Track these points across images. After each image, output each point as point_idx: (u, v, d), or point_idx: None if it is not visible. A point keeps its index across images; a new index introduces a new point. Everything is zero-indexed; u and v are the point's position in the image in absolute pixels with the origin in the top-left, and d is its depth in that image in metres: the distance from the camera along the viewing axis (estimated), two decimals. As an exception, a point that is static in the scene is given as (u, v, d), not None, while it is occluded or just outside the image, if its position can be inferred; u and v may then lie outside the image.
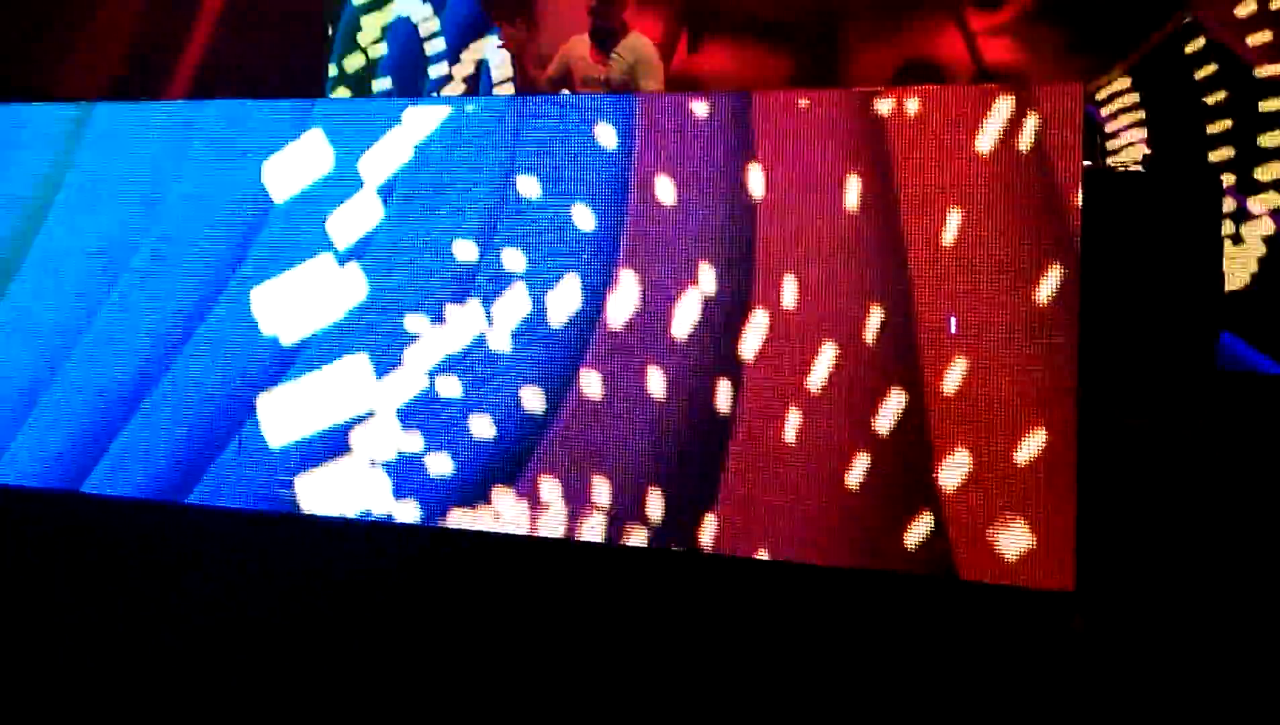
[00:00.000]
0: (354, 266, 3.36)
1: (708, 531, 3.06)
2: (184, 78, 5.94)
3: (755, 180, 3.02)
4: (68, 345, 3.63)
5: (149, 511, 3.56)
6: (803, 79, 5.71)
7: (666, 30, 5.99)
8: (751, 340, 3.02)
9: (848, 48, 5.78)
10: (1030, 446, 2.79)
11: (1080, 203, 2.76)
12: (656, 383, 3.11)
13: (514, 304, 3.23)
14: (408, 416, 3.32)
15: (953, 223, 2.86)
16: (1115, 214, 2.89)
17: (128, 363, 3.57)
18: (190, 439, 3.52)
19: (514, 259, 3.23)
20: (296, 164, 3.41)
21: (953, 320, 2.87)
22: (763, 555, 3.01)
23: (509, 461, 3.22)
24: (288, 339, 3.43)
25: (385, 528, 3.36)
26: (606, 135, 3.14)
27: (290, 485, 3.43)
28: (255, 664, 2.70)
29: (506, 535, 3.24)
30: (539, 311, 3.21)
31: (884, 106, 2.92)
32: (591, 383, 3.16)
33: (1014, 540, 2.80)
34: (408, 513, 3.33)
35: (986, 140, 2.83)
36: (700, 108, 3.08)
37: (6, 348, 3.70)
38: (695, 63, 6.05)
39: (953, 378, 2.85)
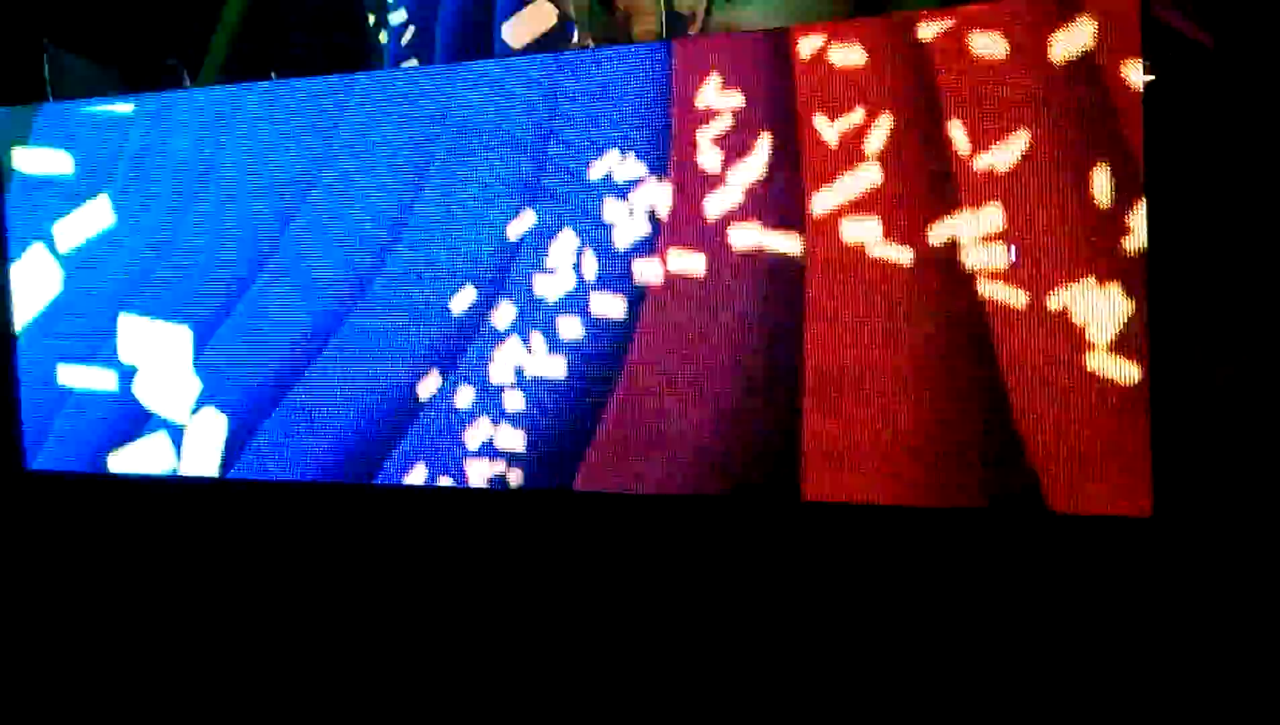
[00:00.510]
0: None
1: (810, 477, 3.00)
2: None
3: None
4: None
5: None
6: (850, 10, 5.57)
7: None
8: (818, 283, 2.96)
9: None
10: (1101, 371, 2.69)
11: (1143, 118, 2.64)
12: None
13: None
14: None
15: (1011, 144, 2.77)
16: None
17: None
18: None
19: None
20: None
21: (1012, 248, 2.78)
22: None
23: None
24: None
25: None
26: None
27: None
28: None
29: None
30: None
31: (927, 31, 2.82)
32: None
33: (1092, 469, 2.72)
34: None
35: (1038, 56, 2.73)
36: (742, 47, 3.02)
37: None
38: (732, 12, 5.92)
39: (1017, 305, 2.76)
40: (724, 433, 3.03)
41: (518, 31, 6.10)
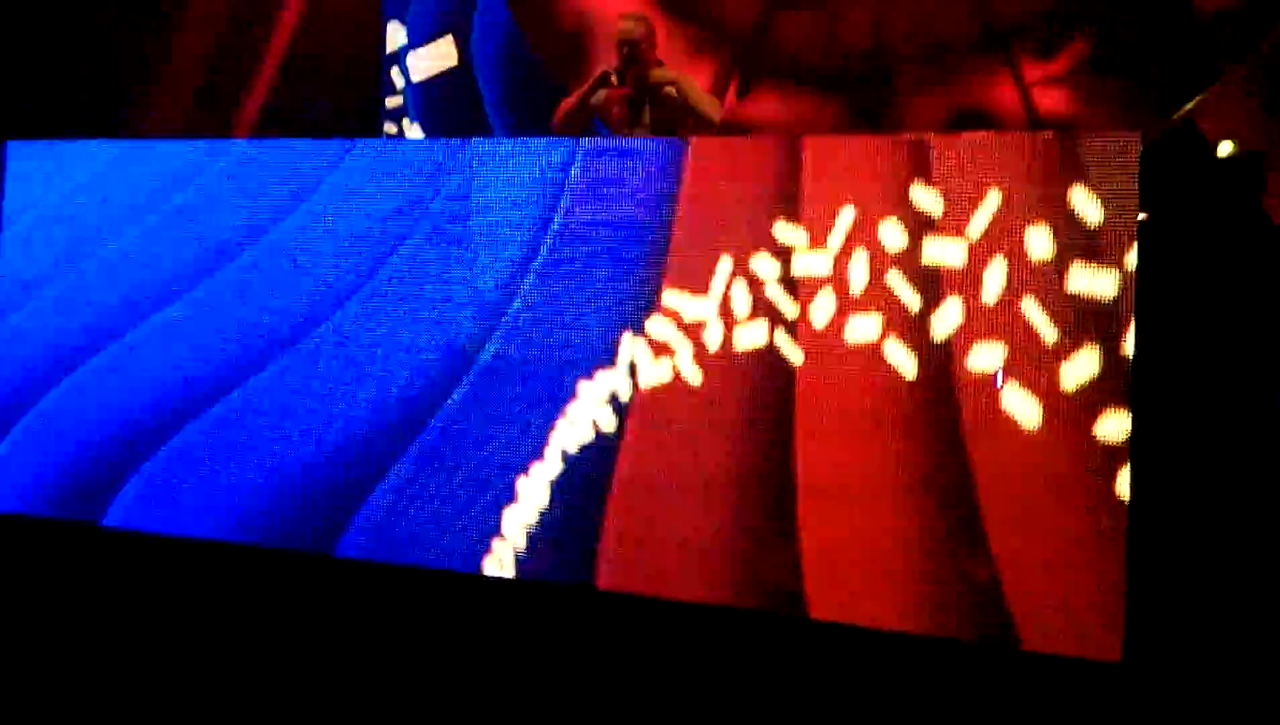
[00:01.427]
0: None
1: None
2: (248, 117, 6.08)
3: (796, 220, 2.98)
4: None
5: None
6: (853, 127, 5.67)
7: (716, 76, 5.99)
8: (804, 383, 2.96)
9: (899, 95, 5.73)
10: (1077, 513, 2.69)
11: (1135, 261, 2.67)
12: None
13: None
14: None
15: (997, 273, 2.79)
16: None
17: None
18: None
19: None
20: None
21: (999, 374, 2.79)
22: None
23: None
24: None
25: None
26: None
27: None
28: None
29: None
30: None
31: (929, 151, 2.87)
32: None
33: (1064, 610, 2.69)
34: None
35: (1032, 188, 2.77)
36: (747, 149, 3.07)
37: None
38: (745, 110, 6.03)
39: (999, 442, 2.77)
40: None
41: (418, 65, 6.18)
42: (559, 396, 3.17)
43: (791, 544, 2.93)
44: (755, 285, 3.02)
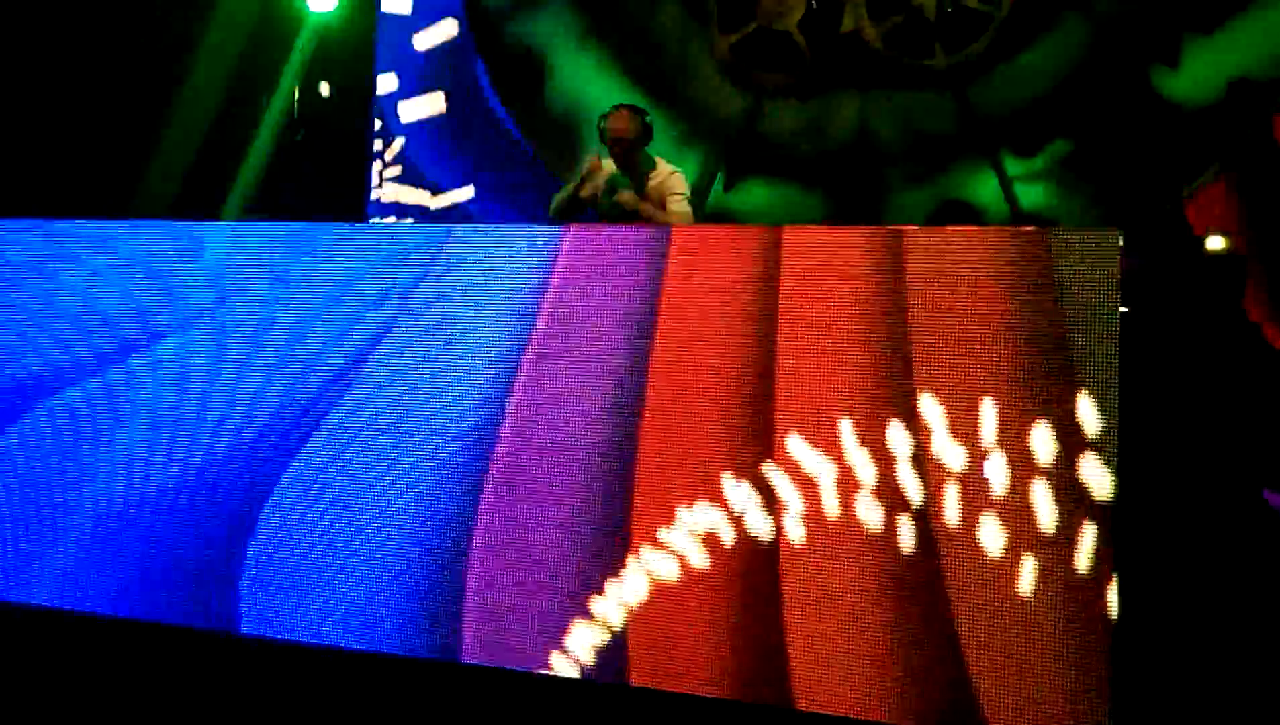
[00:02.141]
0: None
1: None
2: (237, 199, 6.17)
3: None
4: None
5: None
6: (838, 219, 5.74)
7: (703, 168, 6.09)
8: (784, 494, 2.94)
9: (885, 189, 5.82)
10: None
11: (1118, 357, 2.67)
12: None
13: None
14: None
15: (974, 370, 2.79)
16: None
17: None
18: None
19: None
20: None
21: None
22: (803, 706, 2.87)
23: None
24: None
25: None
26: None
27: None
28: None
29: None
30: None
31: (909, 243, 2.87)
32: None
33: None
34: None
35: (1014, 284, 2.77)
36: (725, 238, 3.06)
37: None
38: (732, 200, 6.12)
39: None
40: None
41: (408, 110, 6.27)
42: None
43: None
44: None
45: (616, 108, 4.28)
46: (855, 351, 2.88)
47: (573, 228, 3.30)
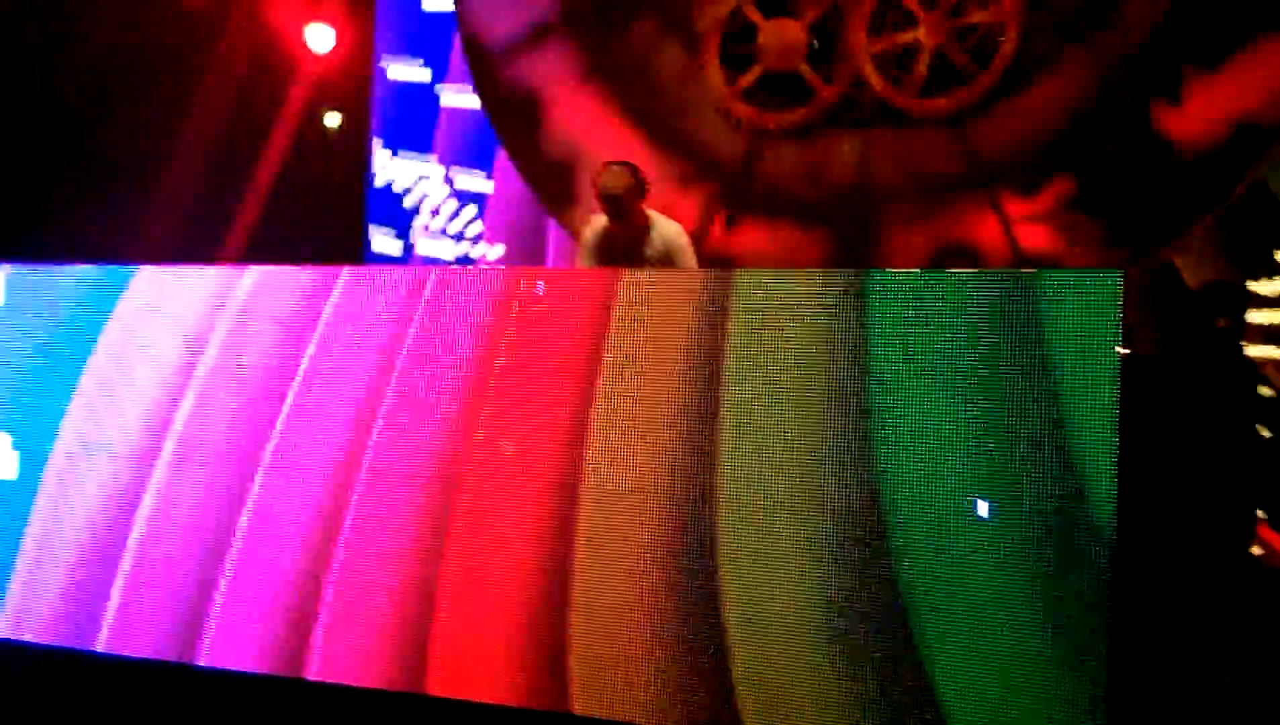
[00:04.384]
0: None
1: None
2: (235, 244, 6.15)
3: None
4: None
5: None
6: (838, 261, 5.68)
7: (703, 209, 6.04)
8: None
9: (884, 230, 5.77)
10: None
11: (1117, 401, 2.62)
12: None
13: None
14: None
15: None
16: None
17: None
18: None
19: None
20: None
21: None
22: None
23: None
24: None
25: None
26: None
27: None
28: None
29: None
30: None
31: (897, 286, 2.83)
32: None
33: None
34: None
35: (1011, 325, 2.73)
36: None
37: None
38: (731, 242, 6.07)
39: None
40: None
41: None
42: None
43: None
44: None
45: (609, 165, 4.23)
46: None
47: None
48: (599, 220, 4.27)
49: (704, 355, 2.94)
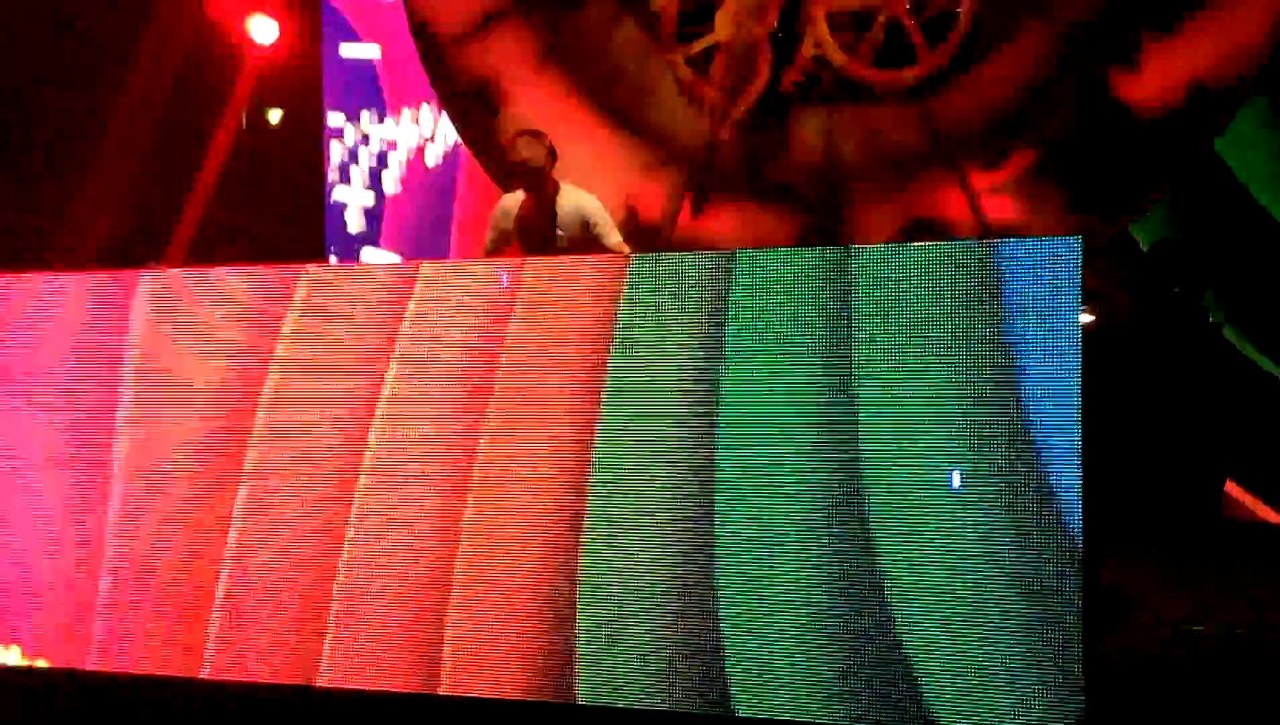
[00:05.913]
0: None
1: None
2: (181, 243, 6.01)
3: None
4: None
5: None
6: (807, 240, 5.65)
7: (671, 192, 5.99)
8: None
9: (852, 208, 5.74)
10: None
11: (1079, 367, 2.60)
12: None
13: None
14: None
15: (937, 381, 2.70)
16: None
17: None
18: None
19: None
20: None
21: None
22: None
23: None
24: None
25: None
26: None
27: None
28: None
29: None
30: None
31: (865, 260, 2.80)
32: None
33: None
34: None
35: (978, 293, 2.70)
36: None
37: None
38: (699, 225, 6.03)
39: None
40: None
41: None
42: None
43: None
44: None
45: (521, 135, 4.15)
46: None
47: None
48: (510, 199, 4.21)
49: (704, 351, 2.89)
